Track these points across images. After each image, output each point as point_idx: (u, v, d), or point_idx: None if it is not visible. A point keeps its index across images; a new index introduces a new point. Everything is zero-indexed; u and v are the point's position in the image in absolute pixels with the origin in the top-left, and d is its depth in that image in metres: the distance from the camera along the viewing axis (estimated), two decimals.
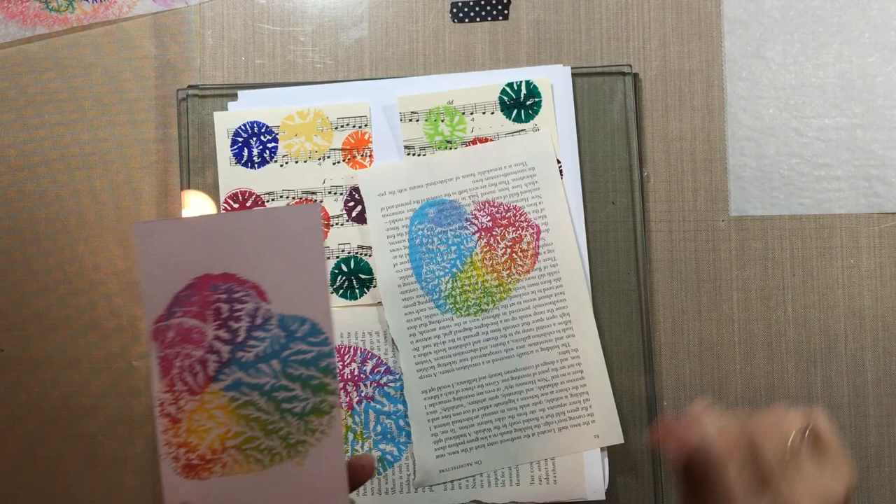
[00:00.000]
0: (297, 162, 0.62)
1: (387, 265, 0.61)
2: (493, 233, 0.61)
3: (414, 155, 0.62)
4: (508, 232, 0.61)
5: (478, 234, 0.61)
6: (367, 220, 0.61)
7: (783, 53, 0.63)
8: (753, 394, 0.62)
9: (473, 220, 0.61)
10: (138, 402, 0.62)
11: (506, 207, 0.61)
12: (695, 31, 0.63)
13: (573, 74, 0.62)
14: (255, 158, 0.62)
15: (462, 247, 0.61)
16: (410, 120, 0.62)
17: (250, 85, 0.63)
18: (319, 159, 0.62)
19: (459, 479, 0.60)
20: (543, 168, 0.61)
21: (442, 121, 0.62)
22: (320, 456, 0.44)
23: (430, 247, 0.61)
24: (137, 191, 0.63)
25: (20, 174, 0.63)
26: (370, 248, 0.61)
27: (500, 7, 0.64)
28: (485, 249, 0.61)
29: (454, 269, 0.61)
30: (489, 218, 0.61)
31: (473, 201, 0.61)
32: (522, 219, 0.61)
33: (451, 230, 0.61)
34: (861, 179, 0.62)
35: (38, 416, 0.62)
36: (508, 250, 0.61)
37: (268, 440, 0.44)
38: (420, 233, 0.61)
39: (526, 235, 0.61)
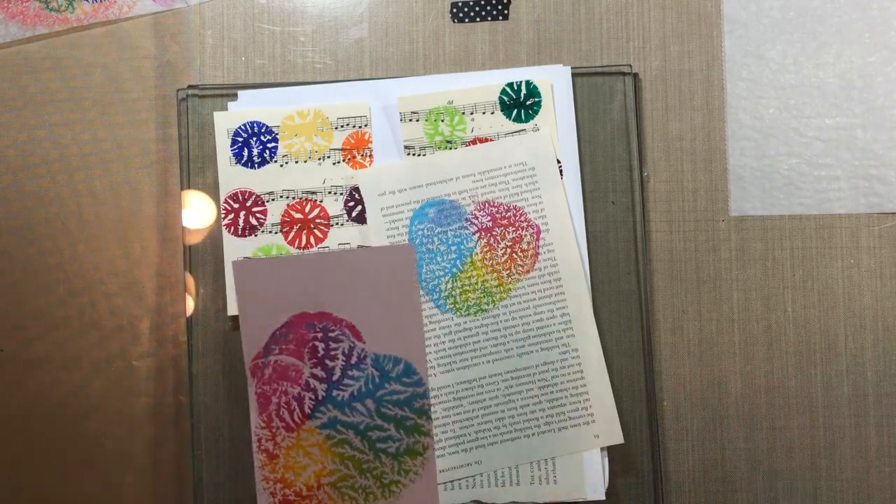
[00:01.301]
0: (297, 162, 0.62)
1: None
2: (493, 233, 0.61)
3: (414, 155, 0.62)
4: (508, 232, 0.61)
5: (478, 234, 0.61)
6: (367, 220, 0.61)
7: (783, 53, 0.63)
8: (753, 394, 0.62)
9: (473, 220, 0.61)
10: (138, 402, 0.62)
11: (506, 207, 0.61)
12: (695, 31, 0.63)
13: (573, 74, 0.62)
14: (255, 158, 0.62)
15: (462, 247, 0.61)
16: (410, 120, 0.62)
17: (250, 85, 0.63)
18: (319, 159, 0.62)
19: (459, 479, 0.60)
20: (543, 168, 0.61)
21: (442, 121, 0.62)
22: (414, 497, 0.44)
23: (430, 247, 0.61)
24: (137, 191, 0.63)
25: (20, 174, 0.63)
26: (370, 248, 0.61)
27: (500, 7, 0.64)
28: (485, 249, 0.61)
29: (454, 269, 0.61)
30: (489, 218, 0.61)
31: (473, 201, 0.61)
32: (522, 219, 0.61)
33: (451, 230, 0.61)
34: (861, 179, 0.62)
35: (38, 416, 0.62)
36: (508, 250, 0.61)
37: (362, 479, 0.44)
38: (420, 233, 0.61)
39: (526, 235, 0.61)
